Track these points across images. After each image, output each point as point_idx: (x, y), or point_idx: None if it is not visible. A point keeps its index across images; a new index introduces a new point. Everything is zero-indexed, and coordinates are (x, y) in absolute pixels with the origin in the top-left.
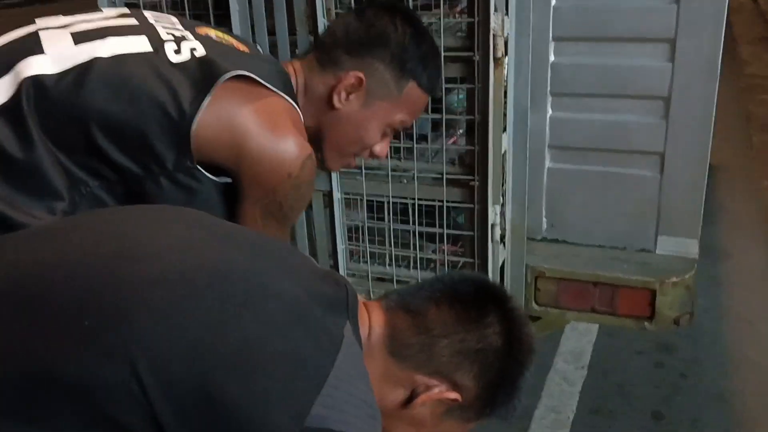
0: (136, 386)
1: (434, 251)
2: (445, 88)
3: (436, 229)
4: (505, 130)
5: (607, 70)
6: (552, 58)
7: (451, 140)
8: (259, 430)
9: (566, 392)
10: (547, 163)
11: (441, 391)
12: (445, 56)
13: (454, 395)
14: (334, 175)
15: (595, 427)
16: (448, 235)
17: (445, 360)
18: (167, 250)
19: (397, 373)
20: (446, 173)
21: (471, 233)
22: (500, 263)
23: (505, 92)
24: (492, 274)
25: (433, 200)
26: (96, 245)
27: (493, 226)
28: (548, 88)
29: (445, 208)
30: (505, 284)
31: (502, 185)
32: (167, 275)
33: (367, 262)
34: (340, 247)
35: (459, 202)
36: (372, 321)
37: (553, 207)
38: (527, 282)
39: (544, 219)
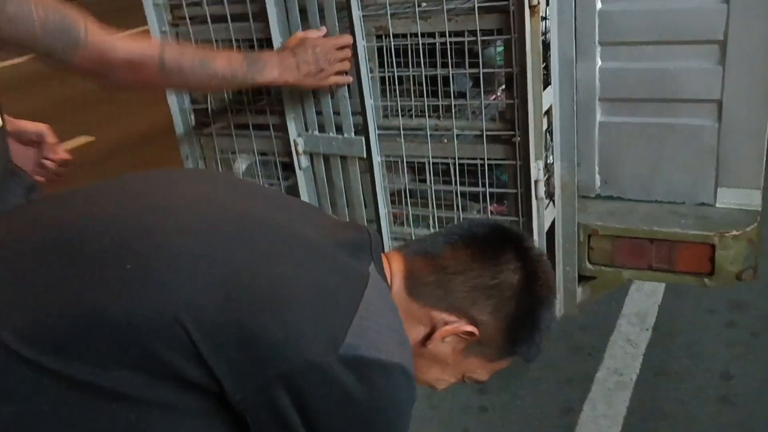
0: (178, 327)
1: (479, 211)
2: (483, 41)
3: (479, 189)
4: (549, 83)
5: (658, 14)
6: (599, 5)
7: (492, 97)
8: (297, 358)
9: (629, 354)
10: (598, 117)
11: (458, 325)
12: (479, 7)
13: (470, 328)
14: (372, 138)
15: (660, 389)
16: (492, 193)
17: (461, 295)
18: (195, 203)
19: (417, 311)
20: (486, 130)
21: (515, 191)
22: (549, 222)
23: (548, 43)
24: (537, 232)
25: (475, 159)
26: (131, 200)
27: (536, 182)
28: (596, 37)
29: (486, 166)
30: (555, 244)
31: (549, 141)
32: (198, 225)
33: (410, 225)
34: (383, 211)
35: (501, 160)
36: (392, 266)
37: (606, 163)
38: (580, 241)
39: (597, 176)
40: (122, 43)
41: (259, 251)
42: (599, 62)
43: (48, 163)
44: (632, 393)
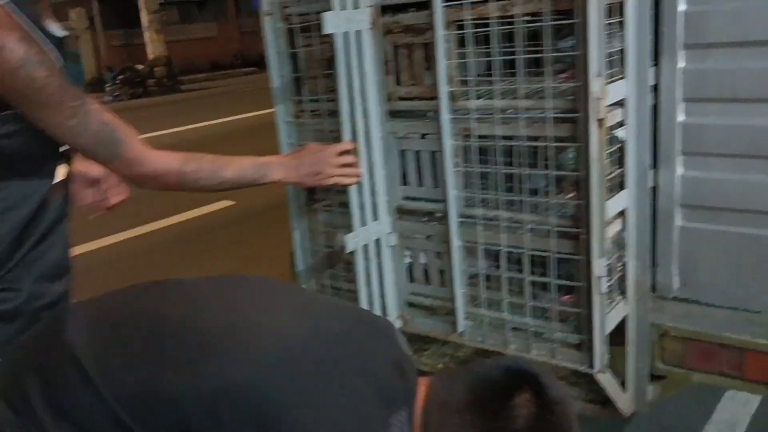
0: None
1: (549, 300)
2: (558, 147)
3: (547, 279)
4: (622, 187)
5: (738, 129)
6: (681, 117)
7: (566, 196)
8: None
9: None
10: (679, 222)
11: None
12: (554, 117)
13: None
14: (452, 224)
15: None
16: (563, 285)
17: None
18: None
19: None
20: (556, 225)
21: (581, 284)
22: (619, 318)
23: (623, 150)
24: (598, 326)
25: (545, 251)
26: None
27: (599, 278)
28: (678, 147)
29: (555, 259)
30: (626, 341)
31: (618, 241)
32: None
33: (486, 307)
34: (459, 291)
35: (568, 254)
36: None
37: (685, 266)
38: (652, 340)
39: (677, 277)
40: (151, 158)
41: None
42: (680, 170)
43: (106, 202)
44: None
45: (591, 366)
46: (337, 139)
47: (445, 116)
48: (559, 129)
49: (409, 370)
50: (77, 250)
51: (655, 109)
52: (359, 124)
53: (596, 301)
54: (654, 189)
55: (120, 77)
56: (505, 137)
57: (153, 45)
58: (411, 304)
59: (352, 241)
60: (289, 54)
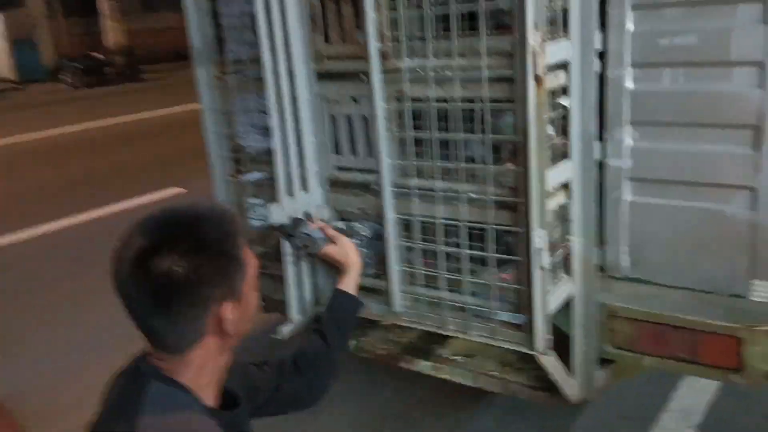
0: None
1: (488, 277)
2: (495, 110)
3: (485, 253)
4: (566, 156)
5: (692, 96)
6: (630, 85)
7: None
8: None
9: None
10: (628, 197)
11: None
12: (490, 77)
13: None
14: (387, 195)
15: None
16: (503, 261)
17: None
18: None
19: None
20: (495, 195)
21: (519, 258)
22: (564, 296)
23: (566, 119)
24: (539, 304)
25: (483, 223)
26: None
27: (539, 250)
28: (626, 117)
29: (492, 230)
30: (571, 323)
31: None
32: None
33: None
34: (394, 268)
35: (507, 226)
36: None
37: (636, 244)
38: (601, 322)
39: (626, 256)
40: None
41: None
42: (629, 141)
43: None
44: None
45: (532, 347)
46: (262, 101)
47: (376, 76)
48: (496, 89)
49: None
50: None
51: (602, 76)
52: (284, 85)
53: (536, 276)
54: (601, 162)
55: (77, 65)
56: (439, 100)
57: (113, 33)
58: None
59: (277, 213)
60: (210, 10)
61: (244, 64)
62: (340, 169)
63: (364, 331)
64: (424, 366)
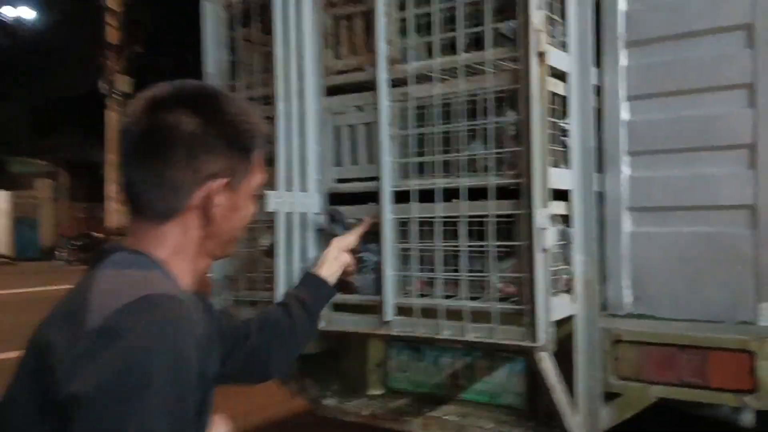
0: None
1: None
2: (498, 108)
3: (485, 243)
4: (566, 164)
5: (685, 122)
6: (626, 116)
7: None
8: None
9: None
10: (627, 228)
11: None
12: (495, 67)
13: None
14: (385, 195)
15: None
16: (503, 256)
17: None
18: None
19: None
20: (495, 181)
21: (520, 243)
22: (564, 311)
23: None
24: (542, 290)
25: (483, 215)
26: None
27: (542, 230)
28: (624, 147)
29: (493, 220)
30: (574, 349)
31: (570, 234)
32: None
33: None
34: (389, 273)
35: (508, 213)
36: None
37: (637, 278)
38: (604, 350)
39: (628, 290)
40: None
41: None
42: (627, 171)
43: None
44: None
45: (533, 339)
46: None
47: (383, 76)
48: (500, 79)
49: None
50: None
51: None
52: (294, 105)
53: (539, 259)
54: (600, 194)
55: (75, 243)
56: (444, 96)
57: (117, 216)
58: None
59: (275, 201)
60: (226, 41)
61: (253, 88)
62: (340, 181)
63: (347, 397)
64: (411, 424)
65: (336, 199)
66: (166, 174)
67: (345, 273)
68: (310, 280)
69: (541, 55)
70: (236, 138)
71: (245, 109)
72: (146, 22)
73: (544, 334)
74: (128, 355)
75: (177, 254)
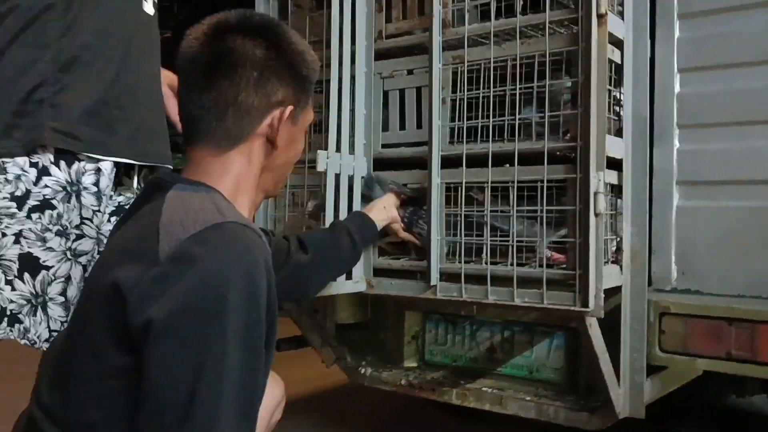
0: None
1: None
2: (554, 72)
3: (537, 208)
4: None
5: (736, 95)
6: (678, 88)
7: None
8: None
9: None
10: (675, 202)
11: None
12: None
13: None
14: (435, 160)
15: None
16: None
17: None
18: None
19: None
20: (549, 147)
21: (573, 208)
22: (613, 280)
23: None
24: (594, 255)
25: (535, 180)
26: None
27: (596, 194)
28: (674, 120)
29: (545, 185)
30: (622, 320)
31: (619, 205)
32: None
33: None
34: (436, 238)
35: (561, 178)
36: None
37: (684, 252)
38: (650, 321)
39: (674, 266)
40: None
41: None
42: (677, 145)
43: None
44: None
45: (585, 304)
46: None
47: (437, 39)
48: (558, 41)
49: None
50: None
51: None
52: (346, 69)
53: (592, 224)
54: (650, 167)
55: None
56: (497, 60)
57: None
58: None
59: (324, 160)
60: (278, 6)
61: None
62: (386, 146)
63: (383, 368)
64: (448, 395)
65: (381, 164)
66: (239, 98)
67: (393, 231)
68: (359, 217)
69: (602, 17)
70: (301, 68)
71: (305, 43)
72: None
73: (595, 299)
74: (204, 281)
75: (238, 185)
